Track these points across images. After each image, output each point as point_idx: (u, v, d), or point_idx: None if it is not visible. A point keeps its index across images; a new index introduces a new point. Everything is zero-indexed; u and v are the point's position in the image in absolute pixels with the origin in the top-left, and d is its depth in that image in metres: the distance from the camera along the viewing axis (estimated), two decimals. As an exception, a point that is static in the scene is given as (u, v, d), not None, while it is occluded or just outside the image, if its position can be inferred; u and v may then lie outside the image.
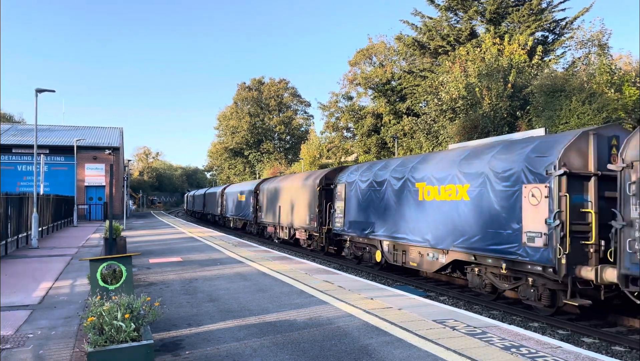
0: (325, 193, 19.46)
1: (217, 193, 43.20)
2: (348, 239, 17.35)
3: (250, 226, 30.87)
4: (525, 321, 9.94)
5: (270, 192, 26.46)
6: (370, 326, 7.04)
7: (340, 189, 17.65)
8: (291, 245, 24.09)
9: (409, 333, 6.66)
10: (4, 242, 15.11)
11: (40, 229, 20.66)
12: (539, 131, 11.49)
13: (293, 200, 22.47)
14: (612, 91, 21.14)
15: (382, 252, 15.18)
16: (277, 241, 25.30)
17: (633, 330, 9.23)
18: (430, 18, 36.35)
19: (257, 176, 71.73)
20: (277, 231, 25.08)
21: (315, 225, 19.92)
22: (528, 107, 25.19)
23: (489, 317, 9.77)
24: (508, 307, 10.83)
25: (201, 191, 58.62)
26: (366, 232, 15.77)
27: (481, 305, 11.31)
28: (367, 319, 7.42)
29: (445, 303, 11.09)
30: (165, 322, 7.22)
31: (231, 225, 36.62)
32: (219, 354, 5.83)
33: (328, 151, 53.30)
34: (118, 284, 6.68)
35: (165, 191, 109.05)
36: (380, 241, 15.26)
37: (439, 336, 6.55)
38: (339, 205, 17.68)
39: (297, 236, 22.49)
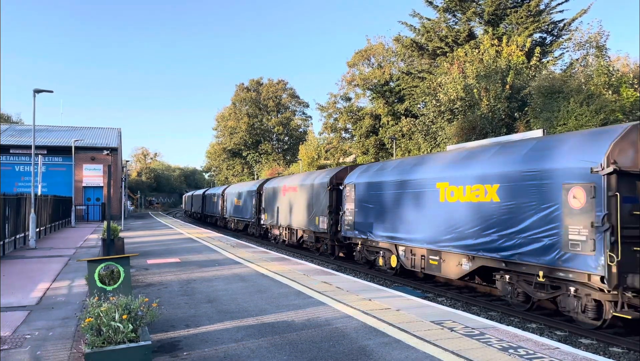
0: None
1: (314, 186, 20.33)
2: None
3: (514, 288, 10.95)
4: (523, 323, 9.96)
5: None
6: (368, 327, 7.04)
7: None
8: None
9: (407, 334, 6.66)
10: (1, 243, 15.08)
11: (38, 229, 20.61)
12: (537, 132, 11.48)
13: None
14: (610, 92, 21.19)
15: None
16: None
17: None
18: (429, 19, 36.40)
19: (256, 176, 71.57)
20: None
21: None
22: (526, 108, 25.23)
23: (486, 318, 9.78)
24: (506, 308, 10.84)
25: (249, 187, 31.43)
26: None
27: (479, 306, 11.32)
28: (365, 320, 7.42)
29: (443, 304, 11.09)
30: (163, 323, 7.21)
31: (413, 266, 13.86)
32: (217, 355, 5.83)
33: (326, 152, 53.32)
34: (116, 285, 6.68)
35: (164, 191, 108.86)
36: None
37: (437, 337, 6.56)
38: None
39: None
